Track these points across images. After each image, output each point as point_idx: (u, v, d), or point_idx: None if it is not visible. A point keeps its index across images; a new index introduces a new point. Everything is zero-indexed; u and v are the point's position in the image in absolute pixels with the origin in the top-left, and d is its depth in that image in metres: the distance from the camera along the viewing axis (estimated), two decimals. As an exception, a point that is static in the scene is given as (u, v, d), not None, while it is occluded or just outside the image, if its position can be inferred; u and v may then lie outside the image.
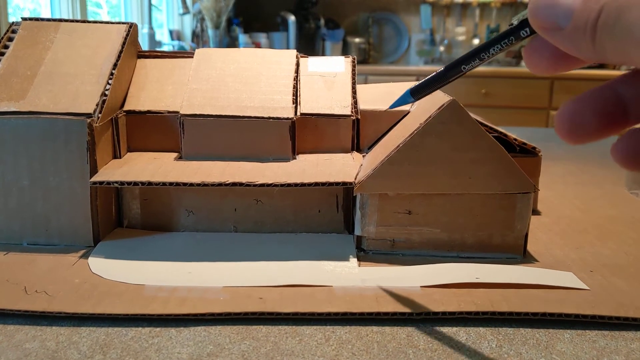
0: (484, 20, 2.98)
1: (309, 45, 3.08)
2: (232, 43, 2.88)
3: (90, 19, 0.47)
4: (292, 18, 2.97)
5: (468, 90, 2.66)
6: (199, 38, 2.90)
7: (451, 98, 0.38)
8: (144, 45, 2.50)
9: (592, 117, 0.22)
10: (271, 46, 2.92)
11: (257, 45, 2.84)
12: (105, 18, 2.62)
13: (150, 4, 2.58)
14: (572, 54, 0.21)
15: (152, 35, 2.49)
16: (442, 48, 3.04)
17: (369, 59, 3.15)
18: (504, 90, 2.56)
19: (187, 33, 2.96)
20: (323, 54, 2.95)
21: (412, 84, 0.49)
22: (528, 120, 2.55)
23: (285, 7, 3.07)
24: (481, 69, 2.77)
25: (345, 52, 3.08)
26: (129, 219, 0.43)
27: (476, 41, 2.97)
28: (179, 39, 2.89)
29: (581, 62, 0.23)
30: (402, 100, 0.34)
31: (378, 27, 3.19)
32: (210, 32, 2.84)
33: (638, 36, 0.18)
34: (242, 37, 2.91)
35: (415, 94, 0.34)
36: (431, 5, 3.03)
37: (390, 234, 0.40)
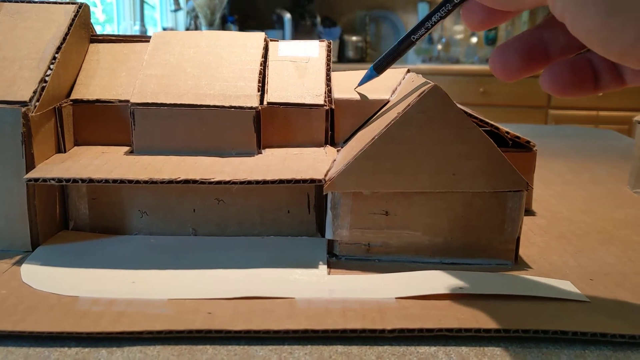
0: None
1: (305, 44, 3.04)
2: (227, 41, 2.83)
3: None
4: (288, 16, 2.93)
5: (466, 88, 2.62)
6: (193, 36, 2.86)
7: (433, 84, 0.34)
8: (136, 43, 2.44)
9: (518, 55, 0.27)
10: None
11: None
12: (100, 17, 2.57)
13: (142, 1, 2.53)
14: (495, 6, 0.26)
15: (143, 33, 2.45)
16: (439, 46, 3.00)
17: (366, 58, 3.10)
18: (502, 89, 2.52)
19: (181, 30, 2.92)
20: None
21: (392, 71, 0.45)
22: (526, 119, 2.50)
23: (281, 5, 3.02)
24: (479, 67, 2.73)
25: (342, 50, 3.04)
26: (76, 221, 0.39)
27: (474, 39, 2.92)
28: (172, 36, 2.84)
29: (506, 16, 0.27)
30: (367, 77, 0.39)
31: (375, 25, 3.15)
32: (204, 29, 2.79)
33: None
34: (237, 35, 2.86)
35: (378, 69, 0.38)
36: (429, 3, 2.99)
37: (366, 237, 0.36)
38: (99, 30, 2.49)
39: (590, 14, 0.22)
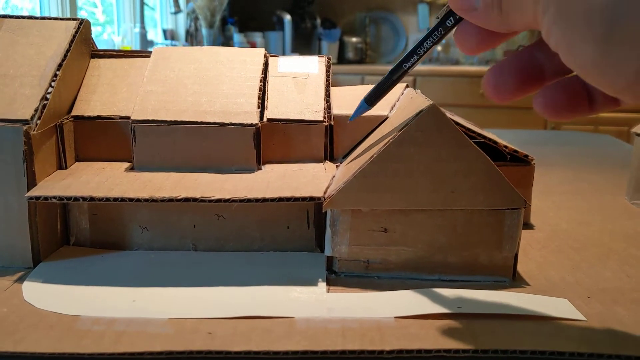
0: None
1: (305, 45, 3.04)
2: (227, 43, 2.84)
3: (38, 15, 0.43)
4: (288, 17, 2.93)
5: (465, 90, 2.62)
6: (193, 37, 2.86)
7: (431, 103, 0.34)
8: (135, 46, 2.46)
9: (513, 77, 0.27)
10: (267, 46, 2.88)
11: (253, 45, 2.80)
12: (101, 18, 2.57)
13: (142, 3, 2.54)
14: (488, 28, 0.25)
15: (143, 35, 2.45)
16: (439, 48, 3.00)
17: (366, 59, 3.11)
18: (502, 91, 2.51)
19: (181, 32, 2.92)
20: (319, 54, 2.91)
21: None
22: (525, 121, 2.50)
23: (281, 6, 3.03)
24: (478, 68, 2.73)
25: (342, 51, 3.04)
26: (77, 236, 0.39)
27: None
28: (172, 38, 2.85)
29: (500, 39, 0.27)
30: (359, 110, 0.37)
31: (375, 27, 3.15)
32: (204, 31, 2.80)
33: (530, 5, 0.22)
34: (237, 37, 2.86)
35: (369, 101, 0.37)
36: (429, 4, 2.99)
37: (365, 254, 0.36)
38: (99, 31, 2.50)
39: (585, 52, 0.21)
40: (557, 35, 0.22)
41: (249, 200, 0.34)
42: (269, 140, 0.40)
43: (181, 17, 2.89)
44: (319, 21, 3.05)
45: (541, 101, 0.26)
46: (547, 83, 0.27)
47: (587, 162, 0.74)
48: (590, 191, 0.59)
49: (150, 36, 2.69)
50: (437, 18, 0.29)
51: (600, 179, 0.64)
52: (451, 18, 0.29)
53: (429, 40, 0.31)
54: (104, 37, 2.50)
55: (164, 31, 2.83)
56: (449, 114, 0.40)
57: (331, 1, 3.14)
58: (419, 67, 2.81)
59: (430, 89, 2.64)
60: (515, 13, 0.24)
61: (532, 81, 0.27)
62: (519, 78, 0.27)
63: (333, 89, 0.43)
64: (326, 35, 3.01)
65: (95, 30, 2.46)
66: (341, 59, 3.04)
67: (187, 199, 0.34)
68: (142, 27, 2.51)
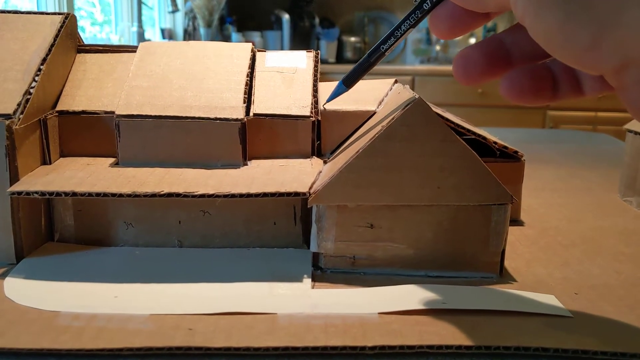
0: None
1: (303, 44, 3.04)
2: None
3: (24, 9, 0.43)
4: (286, 17, 2.93)
5: (464, 89, 2.62)
6: (191, 37, 2.86)
7: (416, 96, 0.34)
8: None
9: (481, 59, 0.27)
10: (265, 45, 2.87)
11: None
12: (99, 17, 2.57)
13: (140, 2, 2.53)
14: (464, 6, 0.26)
15: (141, 34, 2.45)
16: (438, 47, 3.00)
17: (364, 58, 3.10)
18: (500, 90, 2.51)
19: (179, 32, 2.91)
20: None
21: (374, 81, 0.45)
22: (525, 120, 2.50)
23: (280, 6, 3.02)
24: (477, 68, 2.72)
25: (340, 51, 3.03)
26: (61, 232, 0.39)
27: (472, 40, 2.92)
28: (170, 37, 2.84)
29: (475, 24, 0.27)
30: (336, 92, 0.38)
31: (374, 26, 3.15)
32: (202, 30, 2.79)
33: None
34: (235, 36, 2.86)
35: (347, 82, 0.37)
36: (413, 2, 2.99)
37: (351, 250, 0.36)
38: (97, 30, 2.49)
39: (548, 18, 0.22)
40: (523, 5, 0.23)
41: (233, 195, 0.34)
42: (255, 135, 0.40)
43: (179, 16, 2.89)
44: (317, 20, 3.04)
45: (507, 84, 0.27)
46: (513, 68, 0.28)
47: (582, 160, 0.74)
48: (582, 189, 0.58)
49: (148, 35, 2.68)
50: (415, 1, 0.30)
51: (594, 177, 0.64)
52: (428, 1, 0.29)
53: (406, 23, 0.31)
54: (102, 36, 2.50)
55: (162, 30, 2.83)
56: (438, 110, 0.40)
57: (330, 1, 3.13)
58: (418, 67, 2.81)
59: (428, 89, 2.63)
60: None
61: (500, 65, 0.27)
62: (487, 62, 0.27)
63: (321, 84, 0.43)
64: (325, 35, 3.01)
65: (93, 30, 2.44)
66: (339, 59, 3.03)
67: (170, 194, 0.34)
68: (140, 26, 2.51)
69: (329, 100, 0.39)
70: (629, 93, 0.23)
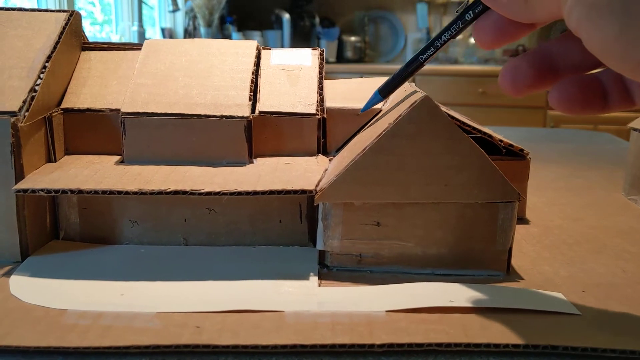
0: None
1: (303, 44, 3.04)
2: (225, 41, 2.82)
3: (27, 7, 0.43)
4: (286, 16, 2.93)
5: (465, 89, 2.62)
6: (191, 36, 2.85)
7: (424, 94, 0.34)
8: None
9: (529, 71, 0.27)
10: (265, 45, 2.87)
11: (251, 43, 2.78)
12: (99, 17, 2.57)
13: (140, 2, 2.53)
14: (512, 18, 0.26)
15: (141, 33, 2.45)
16: (438, 47, 2.99)
17: (364, 58, 3.10)
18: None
19: (180, 31, 2.91)
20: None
21: (380, 79, 0.44)
22: (525, 120, 2.50)
23: (280, 5, 3.02)
24: (478, 67, 2.72)
25: (340, 51, 3.03)
26: (66, 230, 0.38)
27: (472, 40, 2.92)
28: (171, 37, 2.84)
29: (521, 33, 0.27)
30: (372, 101, 0.38)
31: (374, 26, 3.15)
32: (202, 30, 2.79)
33: None
34: (235, 36, 2.86)
35: (383, 92, 0.37)
36: (427, 3, 2.99)
37: (357, 248, 0.36)
38: (97, 30, 2.49)
39: (606, 27, 0.21)
40: (578, 16, 0.22)
41: (239, 193, 0.34)
42: (261, 133, 0.40)
43: (179, 15, 2.88)
44: (317, 20, 3.04)
45: (556, 95, 0.27)
46: (562, 79, 0.27)
47: (584, 159, 0.73)
48: (585, 187, 0.58)
49: (148, 35, 2.68)
50: (457, 12, 0.29)
51: (596, 176, 0.64)
52: (470, 12, 0.29)
53: (447, 33, 0.31)
54: (102, 35, 2.50)
55: (162, 30, 2.83)
56: (443, 108, 0.40)
57: (330, 0, 3.13)
58: (418, 66, 2.81)
59: (429, 88, 2.63)
60: (538, 2, 0.24)
61: (548, 76, 0.27)
62: (536, 73, 0.27)
63: (326, 82, 0.43)
64: (325, 34, 3.00)
65: (93, 29, 2.43)
66: (340, 58, 3.03)
67: (176, 192, 0.34)
68: (140, 25, 2.51)
69: (364, 109, 0.39)
70: None
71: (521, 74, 0.27)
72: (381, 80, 0.44)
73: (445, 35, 0.31)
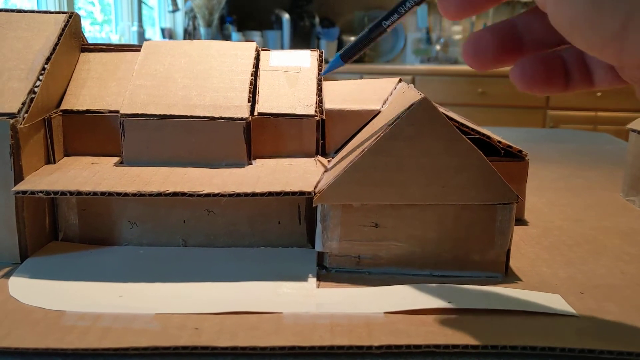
0: (481, 19, 2.93)
1: (303, 44, 3.04)
2: (225, 41, 2.82)
3: (26, 8, 0.43)
4: (286, 16, 2.93)
5: (464, 89, 2.62)
6: (191, 36, 2.85)
7: (422, 96, 0.34)
8: (134, 44, 2.44)
9: (492, 44, 0.26)
10: (265, 45, 2.87)
11: (251, 43, 2.78)
12: (99, 17, 2.57)
13: (140, 2, 2.53)
14: None
15: (141, 34, 2.45)
16: (438, 47, 3.00)
17: (364, 58, 3.10)
18: (501, 90, 2.52)
19: (179, 31, 2.91)
20: (317, 53, 2.90)
21: (382, 80, 0.45)
22: (525, 120, 2.50)
23: (280, 5, 3.02)
24: (477, 68, 2.72)
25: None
26: (65, 232, 0.39)
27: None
28: (170, 37, 2.84)
29: (486, 5, 0.26)
30: (332, 65, 0.36)
31: (374, 26, 3.14)
32: (202, 30, 2.79)
33: None
34: (235, 36, 2.86)
35: (345, 57, 0.36)
36: (427, 4, 2.99)
37: (355, 249, 0.36)
38: (97, 30, 2.49)
39: (574, 4, 0.21)
40: None
41: (238, 194, 0.34)
42: (260, 134, 0.40)
43: (179, 15, 2.88)
44: (317, 20, 3.04)
45: (518, 72, 0.26)
46: (525, 55, 0.27)
47: (584, 160, 0.74)
48: (585, 188, 0.58)
49: (148, 35, 2.68)
50: None
51: (596, 176, 0.64)
52: None
53: (411, 0, 0.30)
54: (102, 35, 2.50)
55: (162, 30, 2.83)
56: (442, 109, 0.40)
57: (330, 0, 3.13)
58: (418, 66, 2.81)
59: (428, 88, 2.63)
60: None
61: (511, 51, 0.27)
62: (499, 46, 0.26)
63: (325, 84, 0.43)
64: (325, 34, 3.00)
65: (93, 29, 2.43)
66: (340, 58, 3.03)
67: (175, 194, 0.34)
68: (140, 25, 2.51)
69: (324, 73, 0.38)
70: None
71: (483, 46, 0.26)
72: (379, 81, 0.44)
73: (409, 2, 0.31)
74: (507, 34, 0.26)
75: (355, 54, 0.35)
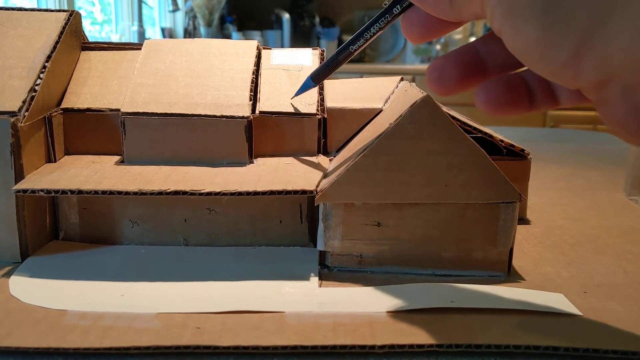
0: (481, 21, 2.93)
1: (303, 44, 3.04)
2: (225, 41, 2.82)
3: (27, 7, 0.42)
4: (286, 16, 2.93)
5: (464, 89, 2.62)
6: (191, 36, 2.85)
7: (424, 94, 0.34)
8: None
9: (455, 70, 0.27)
10: (265, 44, 2.87)
11: (251, 43, 2.78)
12: (99, 17, 2.57)
13: (140, 1, 2.53)
14: (438, 16, 0.25)
15: (141, 33, 2.44)
16: (438, 47, 2.99)
17: (364, 58, 3.10)
18: (501, 89, 2.51)
19: (180, 31, 2.91)
20: (317, 53, 2.90)
21: (384, 79, 0.44)
22: (525, 119, 2.50)
23: (280, 5, 3.02)
24: (478, 67, 2.72)
25: (340, 50, 3.03)
26: (66, 231, 0.38)
27: (472, 39, 2.92)
28: (170, 36, 2.84)
29: (446, 29, 0.27)
30: (304, 87, 0.38)
31: (374, 26, 3.14)
32: (202, 30, 2.79)
33: None
34: (235, 35, 2.86)
35: (315, 79, 0.38)
36: (383, 6, 2.98)
37: (357, 248, 0.36)
38: (97, 30, 2.49)
39: (526, 31, 0.21)
40: (500, 18, 0.22)
41: (239, 193, 0.34)
42: (261, 133, 0.39)
43: (179, 15, 2.88)
44: (317, 20, 3.04)
45: (482, 95, 0.26)
46: (488, 79, 0.27)
47: (585, 159, 0.73)
48: (586, 188, 0.58)
49: (148, 35, 2.68)
50: (385, 5, 0.30)
51: (597, 176, 0.64)
52: (398, 6, 0.29)
53: (376, 26, 0.31)
54: (102, 35, 2.49)
55: (162, 30, 2.83)
56: (443, 108, 0.40)
57: (330, 0, 3.13)
58: (418, 66, 2.80)
59: (428, 88, 2.63)
60: (463, 3, 0.24)
61: (474, 76, 0.27)
62: (462, 72, 0.27)
63: (326, 82, 0.43)
64: (325, 34, 3.00)
65: (93, 29, 2.43)
66: (340, 58, 3.03)
67: (176, 192, 0.34)
68: (140, 25, 2.50)
69: (296, 95, 0.39)
70: (612, 108, 0.22)
71: (447, 73, 0.27)
72: (381, 80, 0.44)
73: (374, 28, 0.31)
74: (470, 59, 0.27)
75: (325, 76, 0.38)
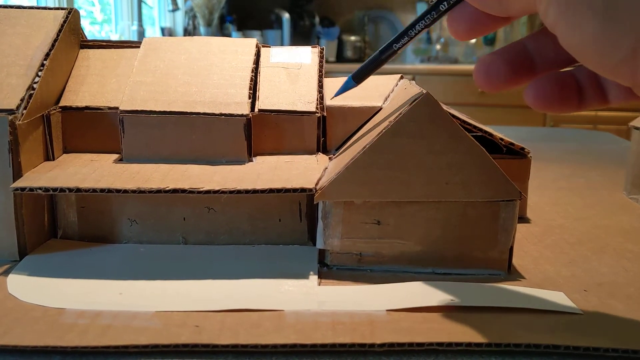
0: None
1: (303, 43, 3.02)
2: (225, 41, 2.82)
3: (26, 5, 0.43)
4: (286, 16, 2.92)
5: (464, 88, 2.62)
6: (190, 35, 2.85)
7: (424, 92, 0.33)
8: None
9: (504, 67, 0.26)
10: (265, 44, 2.87)
11: (251, 43, 2.78)
12: (98, 16, 2.56)
13: (140, 1, 2.53)
14: (486, 11, 0.25)
15: (141, 33, 2.44)
16: (438, 46, 2.99)
17: (364, 58, 3.10)
18: (501, 89, 2.51)
19: (179, 30, 2.91)
20: (317, 52, 2.89)
21: (384, 77, 0.44)
22: (525, 119, 2.50)
23: (280, 5, 3.02)
24: (478, 67, 2.72)
25: (340, 50, 3.03)
26: (65, 229, 0.38)
27: (472, 40, 2.92)
28: (170, 36, 2.83)
29: (494, 26, 0.27)
30: (345, 87, 0.37)
31: (374, 25, 3.14)
32: (202, 29, 2.79)
33: None
34: (235, 35, 2.86)
35: (357, 78, 0.37)
36: (427, 3, 2.98)
37: (357, 247, 0.35)
38: (96, 29, 2.49)
39: (584, 27, 0.21)
40: (556, 13, 0.22)
41: (238, 191, 0.34)
42: (261, 131, 0.39)
43: (179, 15, 2.88)
44: (317, 19, 3.04)
45: (532, 92, 0.26)
46: (538, 76, 0.27)
47: (585, 159, 0.73)
48: (586, 187, 0.58)
49: (148, 34, 2.68)
50: (431, 1, 0.29)
51: (597, 175, 0.63)
52: (445, 2, 0.28)
53: (421, 23, 0.30)
54: (102, 35, 2.49)
55: (162, 29, 2.82)
56: (444, 106, 0.40)
57: (330, 0, 3.13)
58: (418, 66, 2.80)
59: (429, 88, 2.62)
60: None
61: (524, 73, 0.27)
62: (511, 69, 0.26)
63: (326, 80, 0.43)
64: (325, 34, 3.00)
65: (93, 29, 2.43)
66: (340, 58, 3.03)
67: (175, 190, 0.34)
68: (140, 25, 2.50)
69: (336, 94, 0.39)
70: None
71: (495, 70, 0.27)
72: (381, 78, 0.44)
73: (419, 25, 0.31)
74: (518, 56, 0.26)
75: (367, 75, 0.37)
